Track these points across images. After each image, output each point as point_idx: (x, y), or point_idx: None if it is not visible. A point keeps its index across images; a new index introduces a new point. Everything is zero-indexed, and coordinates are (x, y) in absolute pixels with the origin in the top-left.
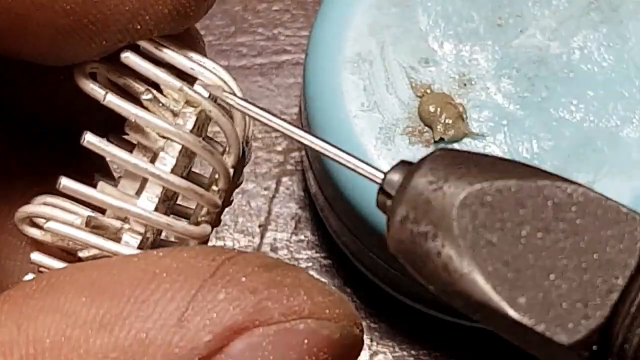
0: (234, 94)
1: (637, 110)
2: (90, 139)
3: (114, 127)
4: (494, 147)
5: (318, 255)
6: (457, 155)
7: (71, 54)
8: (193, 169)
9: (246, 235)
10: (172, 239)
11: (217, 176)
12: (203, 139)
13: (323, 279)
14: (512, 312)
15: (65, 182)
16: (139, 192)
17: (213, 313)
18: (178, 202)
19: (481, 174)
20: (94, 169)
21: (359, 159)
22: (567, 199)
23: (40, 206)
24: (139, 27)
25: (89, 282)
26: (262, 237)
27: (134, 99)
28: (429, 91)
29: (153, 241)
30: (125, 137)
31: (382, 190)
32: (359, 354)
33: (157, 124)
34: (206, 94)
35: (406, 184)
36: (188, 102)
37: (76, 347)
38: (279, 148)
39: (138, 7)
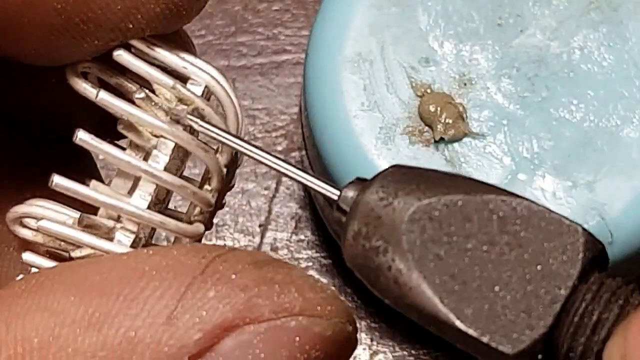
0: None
1: (637, 110)
2: (82, 137)
3: (107, 132)
4: (494, 146)
5: (318, 255)
6: (408, 172)
7: (63, 54)
8: (184, 174)
9: (246, 235)
10: (165, 244)
11: (209, 176)
12: (197, 138)
13: (323, 279)
14: (458, 323)
15: (57, 180)
16: (131, 192)
17: (203, 311)
18: (169, 207)
19: (429, 189)
20: (85, 174)
21: (316, 177)
22: (511, 212)
23: (32, 207)
24: (131, 26)
25: (78, 280)
26: (262, 237)
27: (126, 99)
28: (429, 91)
29: (146, 241)
30: (117, 142)
31: (337, 207)
32: (353, 351)
33: (150, 122)
34: (199, 92)
35: (359, 200)
36: (181, 101)
37: (64, 346)
38: (279, 148)
39: (130, 6)
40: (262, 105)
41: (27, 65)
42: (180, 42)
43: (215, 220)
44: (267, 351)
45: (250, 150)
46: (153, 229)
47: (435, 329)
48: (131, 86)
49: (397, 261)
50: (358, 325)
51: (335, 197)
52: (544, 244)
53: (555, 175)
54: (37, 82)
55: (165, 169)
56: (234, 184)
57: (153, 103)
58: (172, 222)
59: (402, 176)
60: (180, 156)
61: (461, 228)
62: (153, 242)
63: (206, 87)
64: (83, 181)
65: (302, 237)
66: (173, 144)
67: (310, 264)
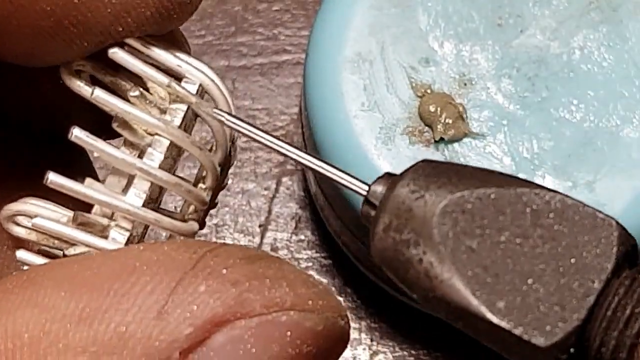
0: (224, 111)
1: (637, 110)
2: (77, 134)
3: (102, 131)
4: (494, 147)
5: (318, 255)
6: (439, 166)
7: (53, 55)
8: (177, 173)
9: (246, 235)
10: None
11: (204, 174)
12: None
13: (323, 279)
14: (490, 316)
15: (52, 177)
16: (125, 190)
17: (193, 305)
18: (161, 206)
19: (462, 182)
20: (82, 174)
21: (344, 172)
22: (545, 205)
23: (25, 204)
24: (120, 29)
25: (69, 276)
26: (262, 237)
27: (121, 97)
28: (429, 91)
29: (140, 239)
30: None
31: (366, 201)
32: (345, 346)
33: (145, 119)
34: (194, 90)
35: (389, 194)
36: (175, 100)
37: (55, 342)
38: None
39: (120, 10)
40: (262, 105)
41: (21, 65)
42: (174, 41)
43: (215, 221)
44: (259, 346)
45: (281, 147)
46: (146, 227)
47: (463, 323)
48: (125, 84)
49: (429, 254)
50: (358, 325)
51: (364, 192)
52: (577, 237)
53: (555, 175)
54: (33, 82)
55: (160, 167)
56: (227, 184)
57: (147, 101)
58: (166, 220)
59: (433, 170)
60: (173, 155)
61: (494, 221)
62: (147, 240)
63: (200, 85)
64: (79, 180)
65: (302, 237)
66: (168, 142)
67: (310, 264)
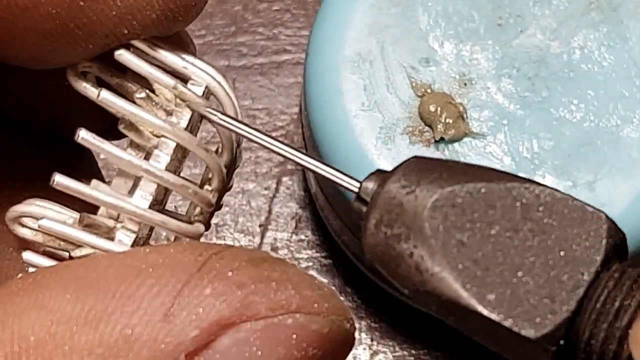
0: (218, 110)
1: (637, 110)
2: (84, 136)
3: (107, 132)
4: (494, 146)
5: (318, 255)
6: (429, 162)
7: (58, 58)
8: (182, 175)
9: (246, 234)
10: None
11: (210, 176)
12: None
13: (323, 279)
14: (480, 308)
15: (59, 179)
16: (132, 191)
17: (199, 308)
18: (167, 207)
19: (452, 177)
20: (86, 174)
21: (335, 169)
22: (534, 199)
23: (32, 206)
24: (126, 31)
25: (75, 278)
26: (262, 237)
27: (127, 99)
28: (429, 91)
29: (146, 241)
30: (116, 143)
31: (358, 198)
32: (350, 348)
33: (151, 121)
34: (200, 92)
35: (380, 190)
36: (181, 101)
37: (61, 344)
38: None
39: (125, 12)
40: (262, 105)
41: (23, 68)
42: (179, 43)
43: (215, 220)
44: (264, 349)
45: (270, 143)
46: (152, 228)
47: (455, 318)
48: (131, 86)
49: (419, 248)
50: (358, 325)
51: (356, 189)
52: (567, 230)
53: (555, 175)
54: (37, 83)
55: (166, 169)
56: (232, 185)
57: (153, 103)
58: (173, 222)
59: (424, 165)
60: (178, 156)
61: (484, 215)
62: (153, 242)
63: (206, 87)
64: (84, 181)
65: (302, 237)
66: (174, 144)
67: (311, 264)
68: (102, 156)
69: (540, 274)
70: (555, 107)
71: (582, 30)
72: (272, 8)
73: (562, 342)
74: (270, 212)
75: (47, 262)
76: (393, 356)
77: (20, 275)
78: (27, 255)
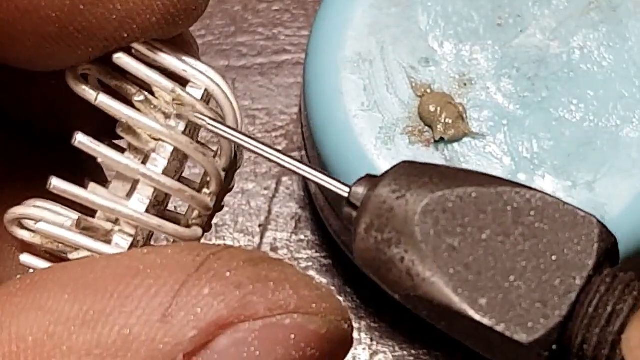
0: (206, 116)
1: (637, 110)
2: (81, 139)
3: (106, 134)
4: (494, 146)
5: (318, 255)
6: (420, 167)
7: (57, 61)
8: (183, 176)
9: (246, 235)
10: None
11: (208, 179)
12: (195, 142)
13: (323, 279)
14: (472, 313)
15: (55, 183)
16: (129, 195)
17: (197, 308)
18: (169, 207)
19: (443, 182)
20: (86, 175)
21: (325, 174)
22: (525, 204)
23: (30, 208)
24: (126, 35)
25: (73, 279)
26: (262, 237)
27: (126, 102)
28: (429, 91)
29: (144, 244)
30: (117, 142)
31: (348, 203)
32: (349, 349)
33: (149, 125)
34: (199, 95)
35: (370, 194)
36: (180, 105)
37: (59, 344)
38: (279, 147)
39: (125, 16)
40: (262, 105)
41: (23, 69)
42: (181, 44)
43: (215, 221)
44: (263, 349)
45: (258, 148)
46: (150, 232)
47: (446, 323)
48: (131, 89)
49: (410, 252)
50: (358, 325)
51: (345, 194)
52: (558, 234)
53: (555, 175)
54: (37, 83)
55: (164, 172)
56: (233, 186)
57: (152, 106)
58: (169, 226)
59: (414, 170)
60: (179, 158)
61: (475, 219)
62: (153, 243)
63: (206, 90)
64: (82, 183)
65: (302, 237)
66: (172, 148)
67: (310, 264)
68: (99, 160)
69: (532, 278)
70: (555, 107)
71: (581, 30)
72: (271, 8)
73: (554, 347)
74: (270, 212)
75: (45, 264)
76: (393, 356)
77: (19, 276)
78: (25, 258)
